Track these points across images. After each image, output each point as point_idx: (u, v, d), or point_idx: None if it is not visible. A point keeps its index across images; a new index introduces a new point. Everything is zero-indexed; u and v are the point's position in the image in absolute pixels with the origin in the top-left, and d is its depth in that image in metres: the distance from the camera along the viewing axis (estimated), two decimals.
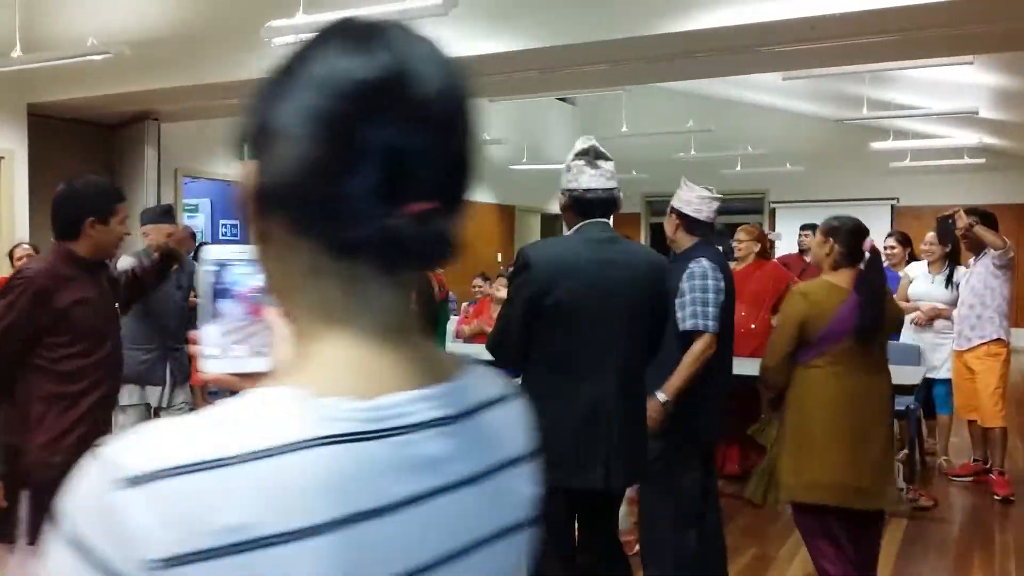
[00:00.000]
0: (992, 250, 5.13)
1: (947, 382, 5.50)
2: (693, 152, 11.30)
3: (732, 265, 5.88)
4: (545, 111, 13.90)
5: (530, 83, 6.91)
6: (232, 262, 0.80)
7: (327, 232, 0.62)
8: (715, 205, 3.34)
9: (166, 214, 5.19)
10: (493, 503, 0.69)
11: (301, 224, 0.62)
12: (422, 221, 0.61)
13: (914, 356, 5.39)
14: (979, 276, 5.24)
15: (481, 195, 12.96)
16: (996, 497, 5.15)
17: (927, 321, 5.55)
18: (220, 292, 0.79)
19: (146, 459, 0.55)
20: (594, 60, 5.77)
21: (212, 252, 0.80)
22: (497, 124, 12.05)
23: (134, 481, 0.54)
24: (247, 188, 0.65)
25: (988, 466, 5.44)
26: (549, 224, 14.85)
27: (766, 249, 5.99)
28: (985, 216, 5.24)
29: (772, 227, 12.37)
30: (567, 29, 5.14)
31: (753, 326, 5.21)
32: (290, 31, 4.90)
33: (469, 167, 0.67)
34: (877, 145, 10.20)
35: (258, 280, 0.77)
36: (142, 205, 7.53)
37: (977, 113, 8.42)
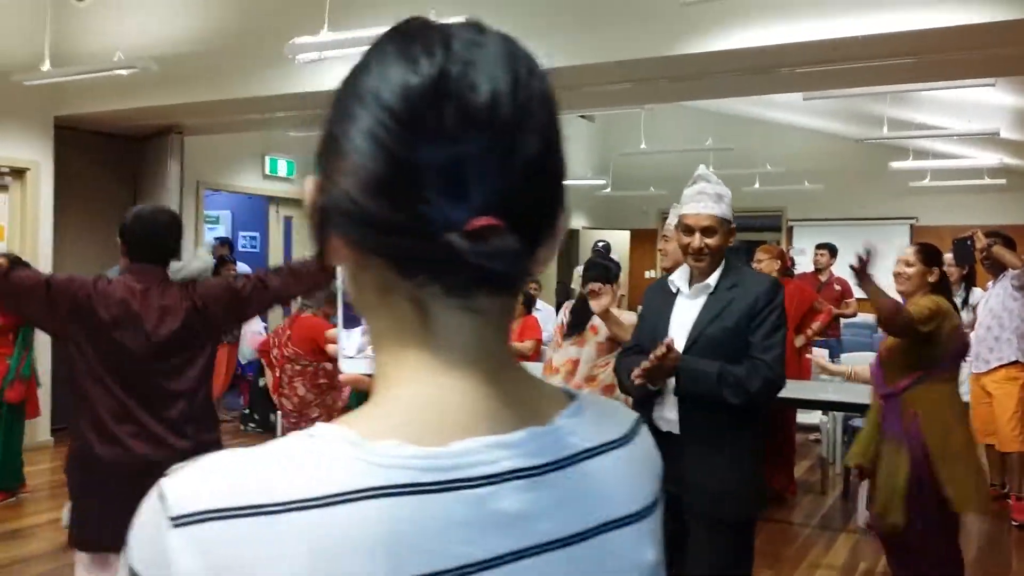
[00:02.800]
0: (1011, 271, 5.12)
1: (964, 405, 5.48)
2: (712, 169, 11.25)
3: None
4: (564, 126, 13.92)
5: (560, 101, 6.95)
6: None
7: (389, 250, 0.57)
8: None
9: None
10: (591, 570, 0.60)
11: (364, 242, 0.58)
12: (480, 238, 0.55)
13: None
14: (997, 297, 5.23)
15: None
16: (1014, 523, 5.11)
17: None
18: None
19: (192, 498, 0.53)
20: (616, 79, 5.81)
21: None
22: None
23: (179, 521, 0.52)
24: (311, 205, 0.62)
25: (1006, 491, 5.41)
26: (566, 238, 14.84)
27: (787, 267, 5.98)
28: (1004, 239, 5.23)
29: (789, 245, 12.36)
30: (584, 50, 5.18)
31: None
32: (314, 48, 4.96)
33: (543, 180, 0.60)
34: (896, 164, 10.16)
35: None
36: None
37: (998, 134, 8.38)
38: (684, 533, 2.57)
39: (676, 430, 2.58)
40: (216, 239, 9.41)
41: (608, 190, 13.57)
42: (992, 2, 4.19)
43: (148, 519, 0.54)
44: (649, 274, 13.67)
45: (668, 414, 2.61)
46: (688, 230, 2.67)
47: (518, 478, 0.57)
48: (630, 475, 0.65)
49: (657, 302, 2.78)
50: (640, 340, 2.77)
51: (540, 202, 0.60)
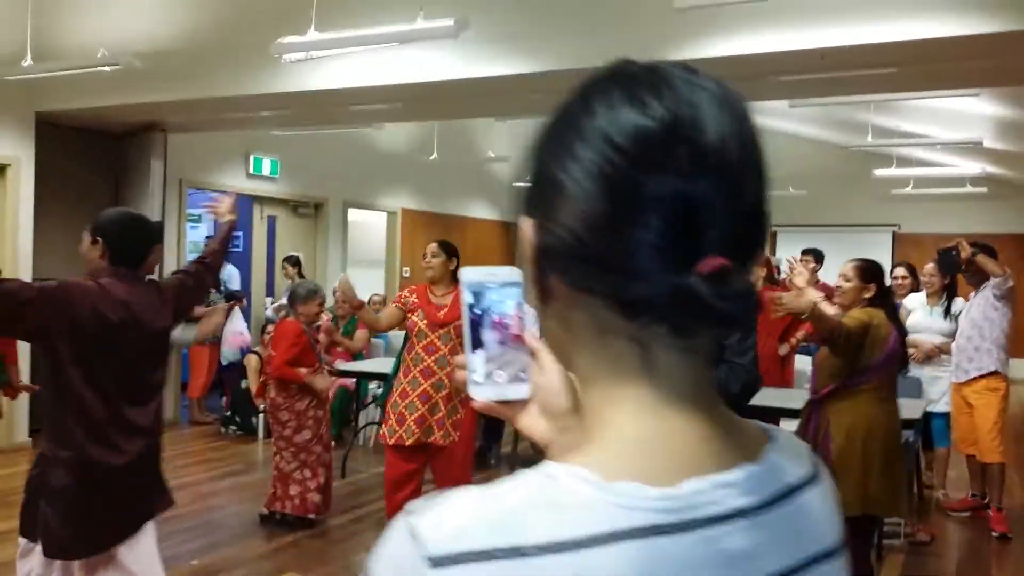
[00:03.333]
0: (992, 279, 5.15)
1: (945, 415, 5.50)
2: None
3: None
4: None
5: (537, 104, 6.94)
6: (489, 286, 0.77)
7: (613, 290, 0.58)
8: None
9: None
10: None
11: (586, 281, 0.59)
12: (717, 279, 0.55)
13: (916, 389, 5.39)
14: (979, 308, 5.25)
15: (483, 211, 12.99)
16: (994, 534, 5.14)
17: (924, 360, 5.56)
18: (479, 317, 0.76)
19: (451, 539, 0.54)
20: None
21: (468, 275, 0.77)
22: (503, 142, 12.09)
23: (438, 562, 0.53)
24: (528, 246, 0.63)
25: (986, 501, 5.44)
26: None
27: (772, 275, 5.98)
28: (986, 249, 5.26)
29: (773, 251, 12.39)
30: (573, 53, 5.16)
31: (760, 353, 5.20)
32: (301, 48, 4.92)
33: (763, 221, 0.61)
34: (880, 172, 10.23)
35: (515, 305, 0.76)
36: (148, 215, 7.52)
37: (982, 143, 8.45)
38: None
39: None
40: (207, 238, 9.36)
41: None
42: (977, 14, 4.22)
43: (399, 558, 0.55)
44: None
45: None
46: None
47: (742, 517, 0.57)
48: (827, 509, 0.67)
49: None
50: None
51: (757, 242, 0.61)
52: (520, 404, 0.79)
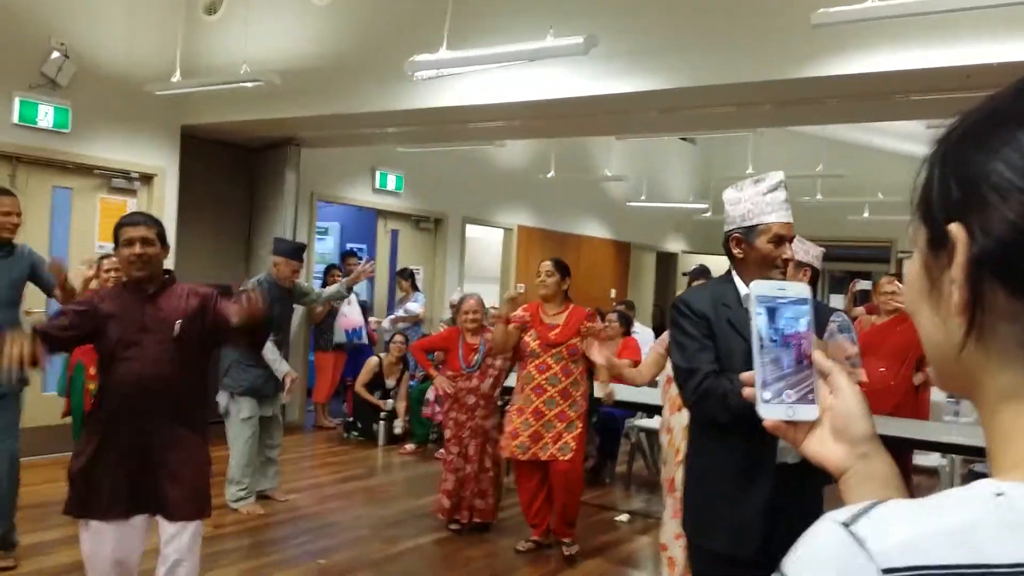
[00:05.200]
0: None
1: None
2: (819, 196, 11.03)
3: (871, 318, 5.67)
4: (666, 149, 13.82)
5: (655, 122, 6.91)
6: (781, 302, 0.75)
7: None
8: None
9: (297, 251, 5.54)
10: None
11: None
12: None
13: None
14: None
15: (596, 230, 12.97)
16: None
17: None
18: (770, 334, 0.74)
19: (902, 550, 0.52)
20: (721, 102, 5.72)
21: (760, 289, 0.76)
22: (618, 161, 12.05)
23: (892, 572, 0.52)
24: (960, 253, 0.59)
25: None
26: (664, 262, 14.72)
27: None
28: None
29: (900, 278, 11.90)
30: (705, 70, 5.11)
31: (893, 383, 4.99)
32: (433, 66, 5.05)
33: None
34: None
35: (807, 323, 0.74)
36: (280, 225, 7.88)
37: None
38: None
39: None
40: (345, 249, 9.86)
41: (708, 214, 13.35)
42: None
43: (842, 565, 0.53)
44: None
45: None
46: (779, 240, 2.50)
47: None
48: None
49: (728, 317, 2.46)
50: (724, 361, 2.43)
51: None
52: (804, 427, 0.77)
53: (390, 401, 7.79)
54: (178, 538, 2.92)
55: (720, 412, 2.37)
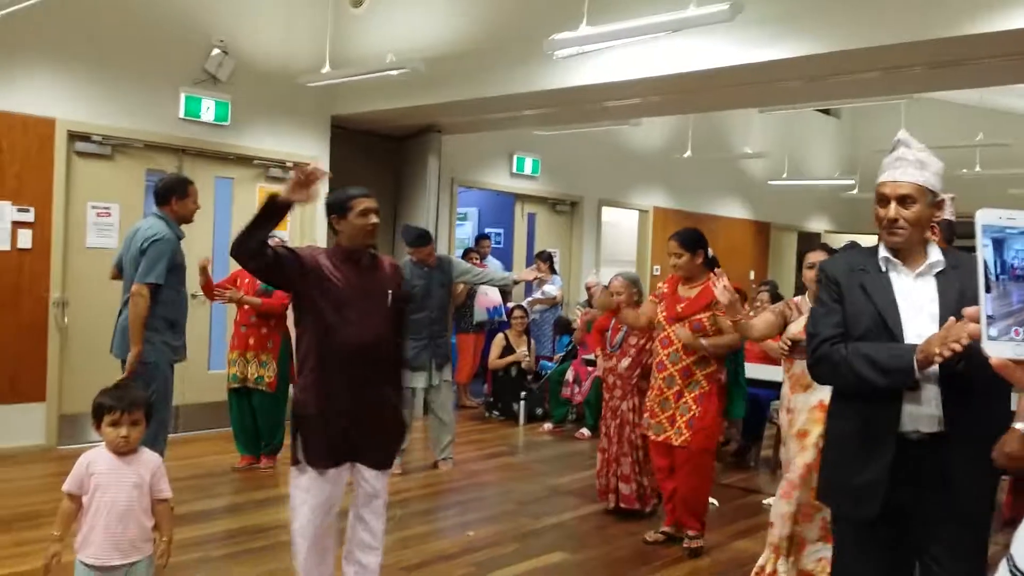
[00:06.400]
0: None
1: None
2: (978, 168, 10.39)
3: None
4: (808, 124, 13.36)
5: (795, 92, 6.67)
6: (1011, 232, 0.69)
7: None
8: None
9: (420, 238, 5.89)
10: None
11: None
12: None
13: None
14: None
15: (735, 210, 12.67)
16: None
17: None
18: (997, 266, 0.69)
19: None
20: (868, 68, 5.46)
21: (986, 218, 0.70)
22: (759, 137, 11.73)
23: None
24: None
25: None
26: (806, 242, 14.23)
27: None
28: None
29: None
30: (857, 33, 4.89)
31: None
32: (573, 43, 5.04)
33: None
34: None
35: None
36: (424, 211, 8.09)
37: None
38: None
39: (937, 428, 2.30)
40: (479, 234, 10.06)
41: (855, 191, 12.82)
42: None
43: None
44: None
45: (928, 410, 2.28)
46: (883, 199, 2.38)
47: None
48: None
49: (861, 282, 2.41)
50: (852, 325, 2.37)
51: None
52: None
53: (523, 351, 8.15)
54: (377, 479, 3.20)
55: (831, 379, 2.43)
